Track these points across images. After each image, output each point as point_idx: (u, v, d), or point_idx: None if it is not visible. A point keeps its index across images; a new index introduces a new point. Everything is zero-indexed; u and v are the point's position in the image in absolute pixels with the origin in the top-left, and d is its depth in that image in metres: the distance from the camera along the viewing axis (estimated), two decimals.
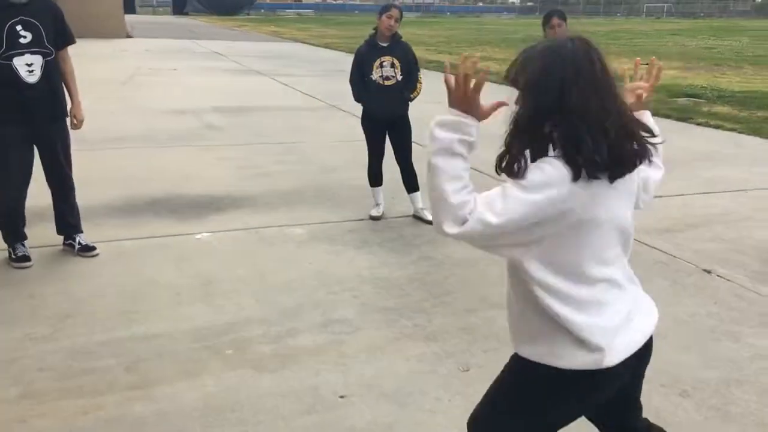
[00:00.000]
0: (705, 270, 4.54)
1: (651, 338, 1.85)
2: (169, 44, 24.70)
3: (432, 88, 5.58)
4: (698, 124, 10.38)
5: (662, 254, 4.81)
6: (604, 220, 1.69)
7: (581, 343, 1.70)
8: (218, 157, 7.55)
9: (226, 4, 59.81)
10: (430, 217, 5.34)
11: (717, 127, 10.10)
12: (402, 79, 5.18)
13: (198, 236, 5.02)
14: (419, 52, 5.71)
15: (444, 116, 1.69)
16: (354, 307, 3.89)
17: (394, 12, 5.12)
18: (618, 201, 1.71)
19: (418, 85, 5.31)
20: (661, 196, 6.31)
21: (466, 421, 2.33)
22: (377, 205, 5.55)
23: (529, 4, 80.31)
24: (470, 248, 4.92)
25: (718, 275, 4.45)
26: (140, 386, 3.02)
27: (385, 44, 5.14)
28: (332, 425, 2.81)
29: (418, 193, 5.48)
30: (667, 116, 10.70)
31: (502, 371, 1.94)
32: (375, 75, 5.13)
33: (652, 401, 2.83)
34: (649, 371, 1.93)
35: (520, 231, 1.62)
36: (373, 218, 5.46)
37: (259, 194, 6.12)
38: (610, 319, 1.73)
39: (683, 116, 10.81)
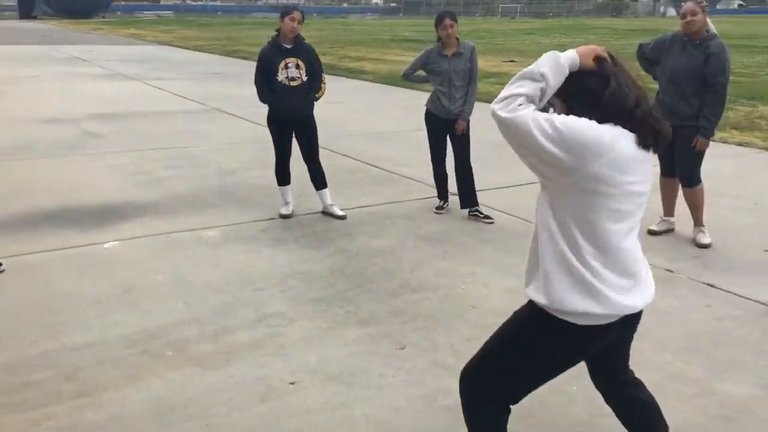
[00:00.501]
0: None
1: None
2: (23, 50, 23.11)
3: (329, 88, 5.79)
4: None
5: None
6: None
7: (593, 293, 1.94)
8: (107, 164, 7.32)
9: (78, 7, 56.48)
10: (340, 213, 5.55)
11: None
12: (307, 80, 5.31)
13: (107, 245, 4.91)
14: None
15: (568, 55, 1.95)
16: (284, 301, 4.00)
17: (296, 14, 5.25)
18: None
19: (323, 86, 5.47)
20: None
21: (411, 392, 2.57)
22: (286, 203, 5.65)
23: (393, 5, 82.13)
24: (383, 238, 5.24)
25: None
26: (86, 394, 2.99)
27: (289, 46, 5.26)
28: (288, 410, 2.93)
29: (326, 190, 5.65)
30: None
31: (506, 323, 2.19)
32: (281, 76, 5.24)
33: None
34: None
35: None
36: (284, 216, 5.56)
37: (160, 200, 6.03)
38: (624, 279, 1.99)
39: None
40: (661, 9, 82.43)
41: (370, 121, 10.35)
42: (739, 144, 8.76)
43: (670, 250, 4.89)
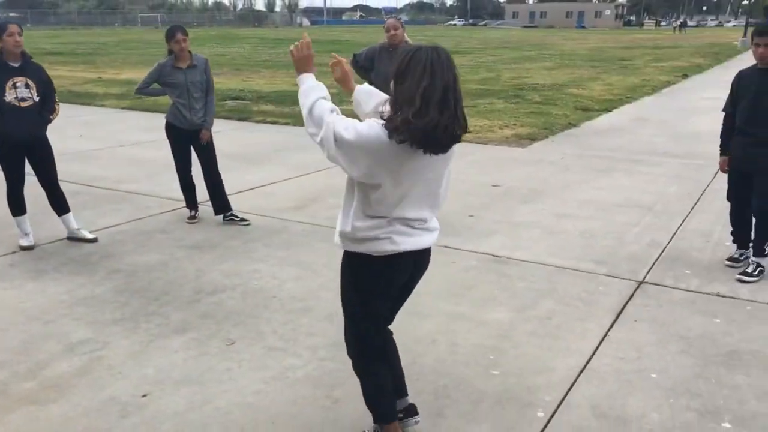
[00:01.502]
0: None
1: (429, 254, 2.69)
2: None
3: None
4: (257, 121, 11.86)
5: (306, 225, 5.86)
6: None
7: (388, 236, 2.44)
8: None
9: None
10: (90, 236, 5.36)
11: (273, 122, 11.72)
12: (39, 100, 5.00)
13: None
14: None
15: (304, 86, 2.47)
16: (85, 328, 3.87)
17: (14, 28, 4.87)
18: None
19: (56, 107, 5.19)
20: (279, 182, 7.43)
21: (262, 375, 2.92)
22: (26, 234, 5.23)
23: (12, 14, 73.66)
24: (151, 254, 5.34)
25: None
26: None
27: (15, 64, 4.88)
28: (157, 417, 3.01)
29: (70, 214, 5.38)
30: (229, 117, 11.94)
31: (341, 278, 2.61)
32: (9, 97, 4.84)
33: None
34: None
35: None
36: (25, 248, 5.16)
37: None
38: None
39: (243, 116, 12.20)
40: (298, 20, 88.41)
41: (58, 142, 9.65)
42: None
43: None
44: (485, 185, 7.24)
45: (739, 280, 4.59)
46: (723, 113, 4.93)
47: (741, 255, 4.91)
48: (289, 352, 3.62)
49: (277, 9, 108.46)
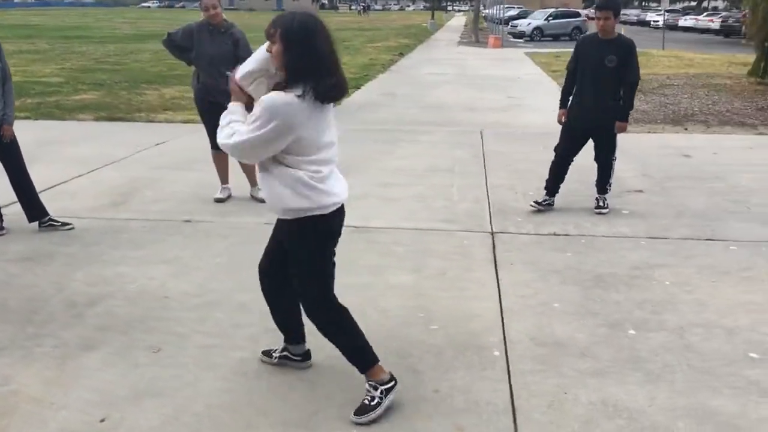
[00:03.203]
0: (186, 221, 5.44)
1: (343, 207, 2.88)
2: None
3: None
4: None
5: (141, 221, 5.41)
6: None
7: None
8: None
9: None
10: None
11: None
12: None
13: None
14: None
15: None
16: None
17: None
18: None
19: None
20: (70, 180, 6.64)
21: (217, 373, 2.88)
22: None
23: None
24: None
25: (195, 220, 5.44)
26: None
27: None
28: None
29: None
30: None
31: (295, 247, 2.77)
32: None
33: None
34: None
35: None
36: None
37: None
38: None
39: None
40: None
41: None
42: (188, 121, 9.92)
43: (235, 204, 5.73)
44: None
45: (598, 213, 5.58)
46: (566, 71, 5.69)
47: (544, 201, 5.76)
48: (228, 346, 3.44)
49: None
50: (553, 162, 5.74)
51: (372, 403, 2.80)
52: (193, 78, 5.80)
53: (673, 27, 43.72)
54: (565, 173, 5.70)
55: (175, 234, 5.15)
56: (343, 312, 2.90)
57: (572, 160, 5.67)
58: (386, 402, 2.83)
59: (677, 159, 7.80)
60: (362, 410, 2.79)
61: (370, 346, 2.91)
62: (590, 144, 5.62)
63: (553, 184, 5.75)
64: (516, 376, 3.15)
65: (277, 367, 3.23)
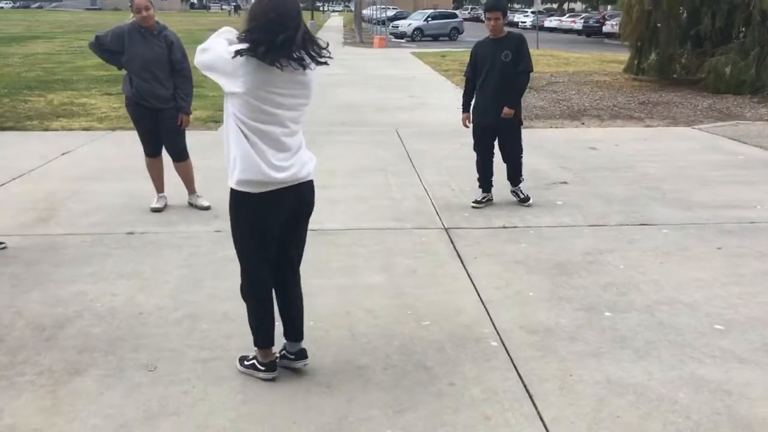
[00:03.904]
0: (129, 233, 5.18)
1: (309, 191, 2.98)
2: None
3: None
4: None
5: (81, 236, 5.10)
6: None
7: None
8: None
9: None
10: None
11: None
12: None
13: None
14: None
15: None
16: None
17: None
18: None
19: None
20: None
21: (229, 387, 2.89)
22: None
23: None
24: None
25: (139, 232, 5.19)
26: None
27: None
28: None
29: None
30: None
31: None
32: None
33: None
34: None
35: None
36: None
37: None
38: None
39: None
40: None
41: None
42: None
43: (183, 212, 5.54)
44: (222, 168, 7.12)
45: (526, 205, 5.82)
46: (465, 77, 5.92)
47: (483, 198, 6.00)
48: (227, 357, 3.34)
49: None
50: (476, 161, 5.99)
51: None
52: (125, 83, 5.52)
53: (539, 28, 46.20)
54: (491, 168, 5.95)
55: (123, 247, 4.89)
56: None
57: (493, 155, 5.92)
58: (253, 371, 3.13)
59: (587, 151, 8.32)
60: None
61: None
62: None
63: (484, 181, 5.98)
64: (520, 363, 3.29)
65: (284, 373, 3.18)
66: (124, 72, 5.58)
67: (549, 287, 4.22)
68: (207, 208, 5.77)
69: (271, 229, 2.94)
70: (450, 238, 5.13)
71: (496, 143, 5.90)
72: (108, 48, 5.42)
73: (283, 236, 3.01)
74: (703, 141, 9.12)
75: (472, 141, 5.98)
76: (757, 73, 12.89)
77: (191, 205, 5.85)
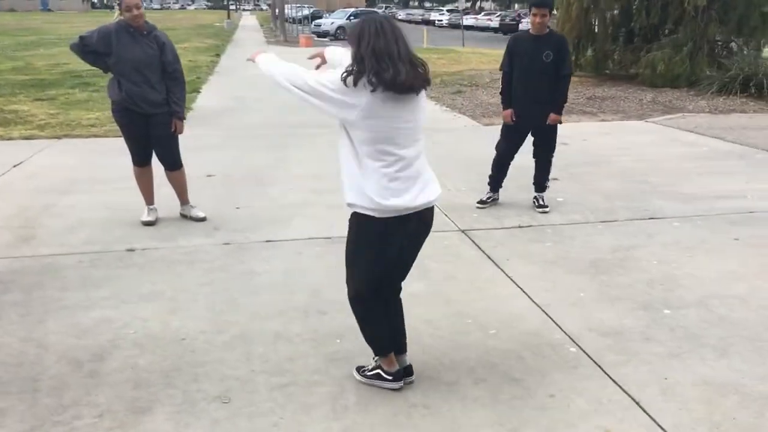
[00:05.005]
0: (128, 249, 4.75)
1: (431, 216, 2.92)
2: None
3: None
4: None
5: (75, 255, 4.64)
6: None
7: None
8: None
9: None
10: None
11: None
12: None
13: None
14: None
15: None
16: None
17: None
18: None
19: None
20: None
21: (322, 413, 2.75)
22: None
23: None
24: None
25: (140, 249, 4.78)
26: None
27: None
28: None
29: None
30: None
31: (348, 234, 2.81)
32: None
33: None
34: None
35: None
36: None
37: None
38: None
39: None
40: None
41: None
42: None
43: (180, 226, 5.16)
44: (201, 176, 6.73)
45: (542, 212, 5.63)
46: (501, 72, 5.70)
47: (489, 198, 5.90)
48: (302, 383, 3.07)
49: None
50: (495, 159, 5.86)
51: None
52: (112, 87, 5.05)
53: (456, 26, 46.90)
54: (508, 168, 5.86)
55: (127, 266, 4.47)
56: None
57: (514, 157, 5.82)
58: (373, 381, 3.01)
59: (560, 147, 8.36)
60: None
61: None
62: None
63: (496, 182, 5.89)
64: (610, 369, 3.19)
65: (375, 393, 2.96)
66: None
67: (595, 287, 4.15)
68: (203, 219, 5.39)
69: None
70: (472, 241, 4.99)
71: (520, 147, 5.76)
72: (93, 49, 4.95)
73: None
74: (662, 134, 9.40)
75: (499, 137, 5.80)
76: (691, 67, 13.46)
77: (184, 216, 5.46)
